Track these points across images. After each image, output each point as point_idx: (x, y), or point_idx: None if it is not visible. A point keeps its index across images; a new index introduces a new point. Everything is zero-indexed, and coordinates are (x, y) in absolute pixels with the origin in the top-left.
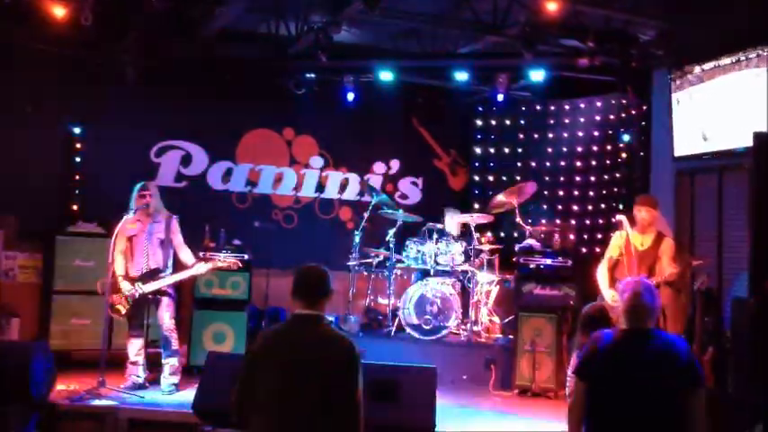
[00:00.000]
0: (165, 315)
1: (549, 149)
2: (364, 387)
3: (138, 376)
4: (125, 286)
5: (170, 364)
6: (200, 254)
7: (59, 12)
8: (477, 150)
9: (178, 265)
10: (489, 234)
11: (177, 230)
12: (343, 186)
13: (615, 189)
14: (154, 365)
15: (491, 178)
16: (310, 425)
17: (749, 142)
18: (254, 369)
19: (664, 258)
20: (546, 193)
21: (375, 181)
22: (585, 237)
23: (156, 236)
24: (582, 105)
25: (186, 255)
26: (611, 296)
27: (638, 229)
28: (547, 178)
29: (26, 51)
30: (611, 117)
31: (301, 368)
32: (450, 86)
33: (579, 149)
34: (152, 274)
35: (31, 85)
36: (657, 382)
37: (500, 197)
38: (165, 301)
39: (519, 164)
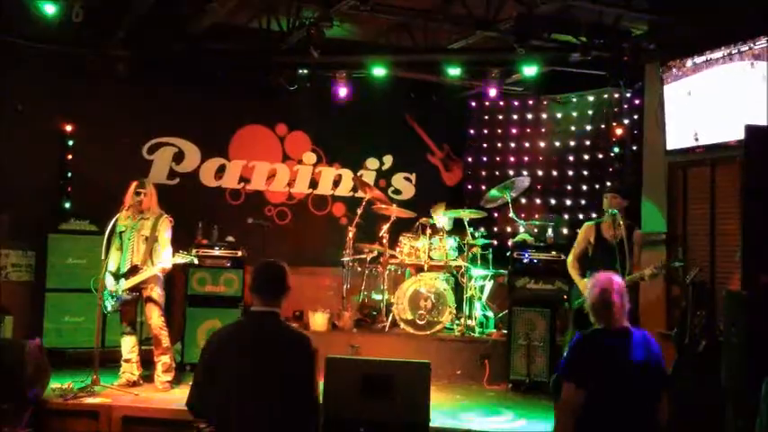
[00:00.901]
0: (154, 313)
1: (542, 144)
2: (358, 382)
3: (131, 374)
4: (109, 283)
5: (162, 362)
6: (194, 251)
7: (50, 9)
8: (471, 145)
9: None
10: (483, 229)
11: (164, 229)
12: (337, 182)
13: (608, 183)
14: (147, 363)
15: (484, 173)
16: (269, 422)
17: (741, 135)
18: (209, 368)
19: (635, 249)
20: (539, 187)
21: (368, 176)
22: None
23: (142, 233)
24: (574, 100)
25: (165, 254)
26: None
27: (610, 221)
28: (540, 172)
29: (17, 49)
30: (604, 111)
31: (258, 365)
32: (442, 81)
33: (572, 144)
34: (133, 271)
35: (22, 83)
36: (643, 383)
37: (493, 192)
38: (152, 297)
39: (512, 158)
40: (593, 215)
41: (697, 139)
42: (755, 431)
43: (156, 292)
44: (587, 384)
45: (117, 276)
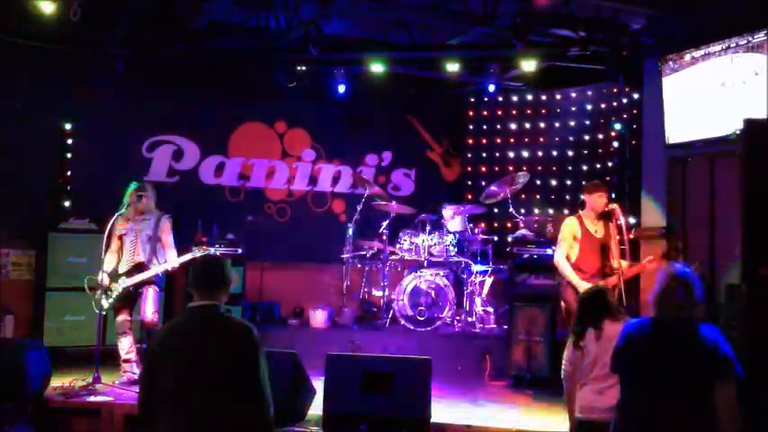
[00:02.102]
0: (149, 308)
1: (541, 139)
2: (359, 378)
3: (132, 372)
4: (104, 281)
5: None
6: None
7: (48, 7)
8: (470, 141)
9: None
10: (482, 224)
11: (167, 229)
12: (336, 179)
13: (607, 178)
14: None
15: (484, 169)
16: (217, 416)
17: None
18: (154, 367)
19: (612, 245)
20: (538, 182)
21: (367, 173)
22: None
23: (145, 233)
24: (573, 95)
25: (171, 255)
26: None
27: (594, 217)
28: (539, 168)
29: (15, 47)
30: (603, 106)
31: (200, 360)
32: (441, 77)
33: (571, 139)
34: (137, 269)
35: (21, 82)
36: (687, 374)
37: (493, 187)
38: (149, 294)
39: (511, 154)
40: None
41: (695, 134)
42: None
43: (154, 289)
44: (629, 376)
45: (116, 276)
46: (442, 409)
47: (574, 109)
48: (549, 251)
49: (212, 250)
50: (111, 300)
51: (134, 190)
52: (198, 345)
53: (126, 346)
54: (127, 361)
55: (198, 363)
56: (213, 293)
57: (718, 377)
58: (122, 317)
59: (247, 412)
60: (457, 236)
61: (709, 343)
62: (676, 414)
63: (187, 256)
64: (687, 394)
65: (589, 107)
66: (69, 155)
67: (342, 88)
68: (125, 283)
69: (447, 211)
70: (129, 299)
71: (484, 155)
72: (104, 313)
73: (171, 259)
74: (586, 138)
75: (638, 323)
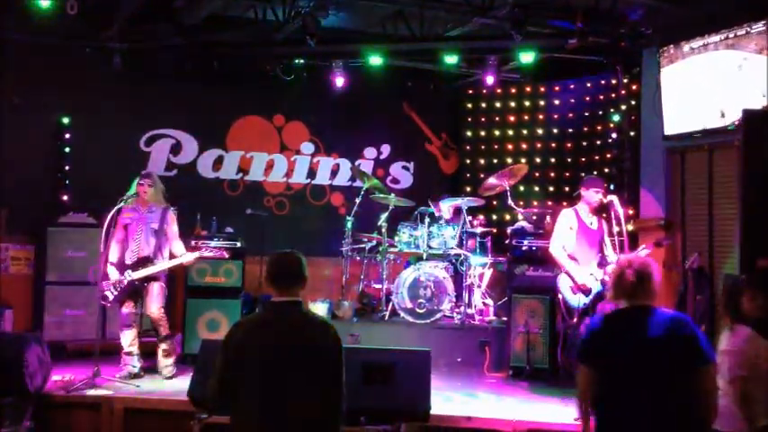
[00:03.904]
0: (153, 305)
1: (540, 131)
2: (359, 371)
3: (133, 366)
4: (112, 273)
5: (162, 348)
6: (192, 243)
7: (45, 2)
8: (468, 133)
9: (171, 257)
10: (481, 217)
11: (172, 221)
12: (335, 172)
13: (606, 169)
14: (148, 355)
15: (482, 161)
16: (297, 411)
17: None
18: (236, 358)
19: (606, 237)
20: (537, 174)
21: (366, 166)
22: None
23: (150, 225)
24: (572, 86)
25: (178, 247)
26: (587, 279)
27: (590, 210)
28: (538, 160)
29: (13, 42)
30: (601, 97)
31: (286, 355)
32: (439, 70)
33: (570, 130)
34: (143, 262)
35: (19, 76)
36: (665, 362)
37: (492, 180)
38: (155, 290)
39: (510, 146)
40: None
41: (694, 124)
42: None
43: (159, 285)
44: (603, 368)
45: (122, 267)
46: (442, 401)
47: (572, 100)
48: (547, 243)
49: (207, 253)
50: (116, 292)
51: (137, 180)
52: (284, 341)
53: (129, 339)
54: (129, 354)
55: (283, 359)
56: (292, 289)
57: (695, 361)
58: (127, 309)
59: (326, 409)
60: (456, 228)
61: (680, 328)
62: (658, 402)
63: (180, 260)
64: (666, 381)
65: (587, 98)
66: (67, 149)
67: (340, 81)
68: (130, 276)
69: (445, 204)
70: (135, 292)
71: (482, 147)
72: (109, 305)
73: (179, 251)
74: (585, 129)
75: (605, 314)
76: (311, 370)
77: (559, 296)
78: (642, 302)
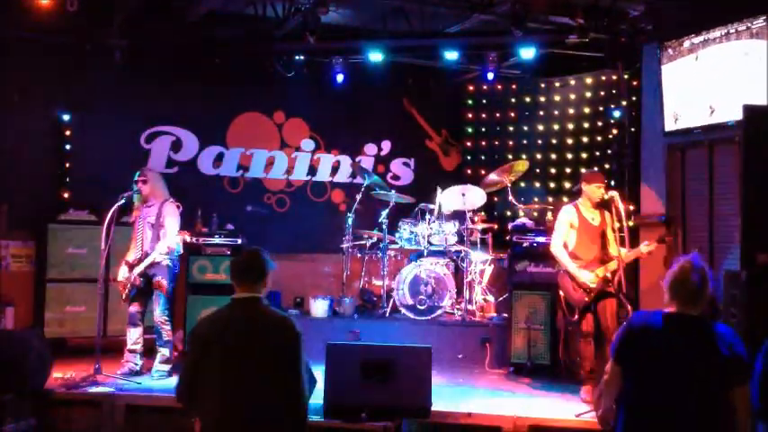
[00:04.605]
0: (158, 306)
1: (540, 127)
2: (359, 368)
3: (135, 363)
4: (121, 272)
5: (161, 353)
6: (194, 240)
7: None
8: (469, 130)
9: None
10: (482, 213)
11: (167, 215)
12: (335, 169)
13: (606, 165)
14: (151, 352)
15: (483, 157)
16: (258, 404)
17: (739, 115)
18: (200, 354)
19: (609, 232)
20: (538, 170)
21: (366, 162)
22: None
23: (147, 220)
24: (572, 82)
25: (161, 241)
26: (589, 278)
27: (591, 205)
28: (538, 156)
29: (13, 39)
30: (602, 93)
31: (246, 350)
32: (440, 66)
33: (570, 126)
34: (143, 259)
35: (19, 74)
36: (699, 376)
37: (492, 176)
38: (156, 293)
39: (510, 142)
40: None
41: (694, 120)
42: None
43: (163, 284)
44: (636, 371)
45: (131, 266)
46: (443, 398)
47: (573, 96)
48: (548, 239)
49: (187, 238)
50: (126, 290)
51: (136, 177)
52: (242, 337)
53: (134, 336)
54: (132, 351)
55: (241, 354)
56: (254, 285)
57: (735, 380)
58: (135, 308)
59: (287, 402)
60: (456, 224)
61: (725, 344)
62: (688, 414)
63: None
64: (701, 395)
65: (588, 94)
66: (68, 146)
67: (340, 78)
68: (132, 274)
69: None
70: (143, 291)
71: (483, 143)
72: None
73: (159, 245)
74: (585, 125)
75: (649, 315)
76: (269, 362)
77: (560, 293)
78: (695, 312)
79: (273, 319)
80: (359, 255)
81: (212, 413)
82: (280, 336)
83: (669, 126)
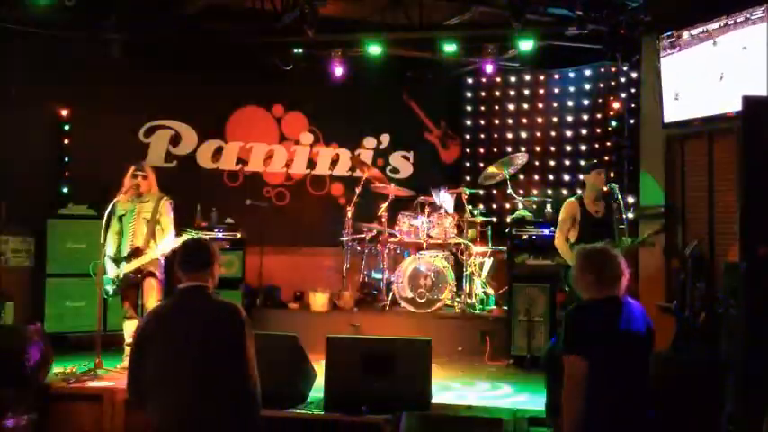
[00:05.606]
0: (151, 298)
1: (540, 119)
2: (359, 360)
3: None
4: (109, 267)
5: None
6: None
7: None
8: (468, 122)
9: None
10: (481, 206)
11: (165, 212)
12: (334, 162)
13: (606, 157)
14: None
15: (482, 150)
16: (206, 395)
17: (739, 106)
18: (143, 350)
19: (613, 224)
20: (537, 163)
21: (366, 156)
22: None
23: (143, 216)
24: (571, 74)
25: (164, 240)
26: None
27: (593, 197)
28: (537, 148)
29: (10, 34)
30: (601, 85)
31: (190, 340)
32: (438, 58)
33: (569, 119)
34: (136, 253)
35: (16, 68)
36: (643, 349)
37: (491, 169)
38: (151, 283)
39: (510, 135)
40: None
41: (694, 112)
42: None
43: (156, 277)
44: (591, 355)
45: (117, 261)
46: (443, 390)
47: (572, 89)
48: (547, 231)
49: (196, 234)
50: (115, 285)
51: (131, 172)
52: (185, 327)
53: (131, 330)
54: (130, 345)
55: (185, 345)
56: (200, 274)
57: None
58: (127, 301)
59: (236, 391)
60: (455, 217)
61: (647, 318)
62: (637, 390)
63: (154, 253)
64: (644, 368)
65: (587, 87)
66: (67, 141)
67: (339, 71)
68: (124, 268)
69: (445, 194)
70: (134, 284)
71: (482, 136)
72: (109, 298)
73: (166, 242)
74: (585, 117)
75: (591, 305)
76: (217, 350)
77: (566, 288)
78: (614, 293)
79: (219, 306)
80: (358, 248)
81: (162, 407)
82: (226, 323)
83: (668, 118)
